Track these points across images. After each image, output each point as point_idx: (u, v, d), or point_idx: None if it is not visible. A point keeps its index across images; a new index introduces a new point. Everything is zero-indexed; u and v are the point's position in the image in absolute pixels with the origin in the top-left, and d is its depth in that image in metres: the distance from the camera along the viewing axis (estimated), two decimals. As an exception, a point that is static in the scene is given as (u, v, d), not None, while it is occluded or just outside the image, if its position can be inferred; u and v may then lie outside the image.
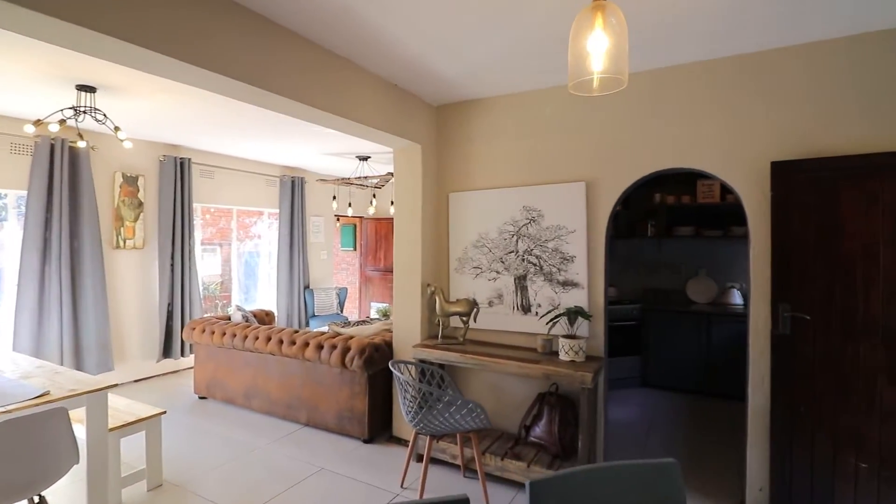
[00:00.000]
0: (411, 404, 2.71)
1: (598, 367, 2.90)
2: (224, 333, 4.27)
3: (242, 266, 6.75)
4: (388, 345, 3.72)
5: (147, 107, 3.90)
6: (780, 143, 2.62)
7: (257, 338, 4.07)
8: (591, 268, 3.14)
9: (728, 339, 4.72)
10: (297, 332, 4.00)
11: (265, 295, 6.91)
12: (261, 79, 2.29)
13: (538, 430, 3.11)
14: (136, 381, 5.13)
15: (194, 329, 4.52)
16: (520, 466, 2.93)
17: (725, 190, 4.91)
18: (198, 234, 5.80)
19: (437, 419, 2.68)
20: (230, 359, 4.33)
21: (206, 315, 5.64)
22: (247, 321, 4.66)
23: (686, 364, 4.89)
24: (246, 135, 4.91)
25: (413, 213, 3.56)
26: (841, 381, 2.44)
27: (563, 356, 2.99)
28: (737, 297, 5.03)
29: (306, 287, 7.03)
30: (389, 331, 4.04)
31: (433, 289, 3.42)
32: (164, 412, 3.01)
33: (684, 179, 4.97)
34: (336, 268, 8.34)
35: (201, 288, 5.72)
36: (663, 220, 5.23)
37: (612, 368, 4.94)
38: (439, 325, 3.48)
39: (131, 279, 5.11)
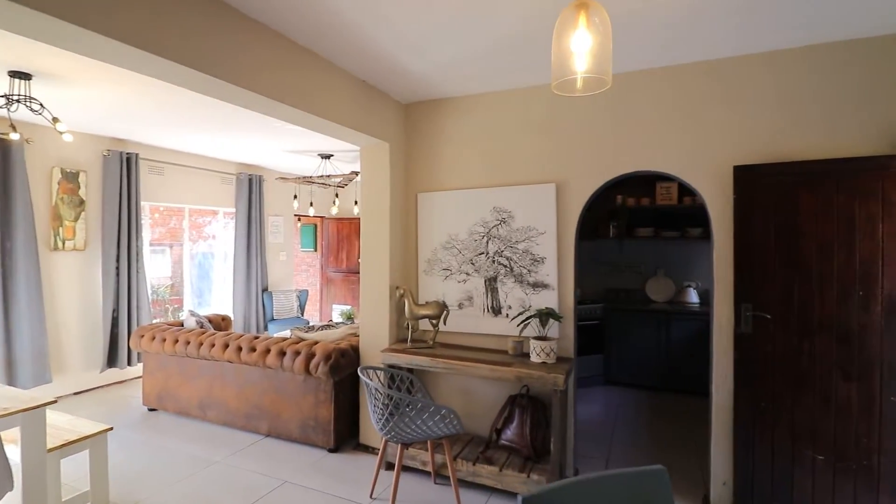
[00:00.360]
0: (382, 412, 2.61)
1: (568, 368, 2.91)
2: (177, 341, 4.01)
3: (195, 268, 6.40)
4: (355, 350, 3.60)
5: (90, 97, 3.61)
6: (742, 148, 2.71)
7: (213, 345, 3.85)
8: (561, 269, 3.15)
9: (686, 337, 4.88)
10: (257, 338, 3.81)
11: (220, 298, 6.60)
12: (225, 71, 2.13)
13: (509, 433, 3.08)
14: (77, 393, 4.76)
15: (143, 336, 4.23)
16: (492, 471, 2.90)
17: (682, 192, 5.08)
18: (146, 235, 5.45)
19: (409, 427, 2.60)
20: (183, 367, 4.08)
21: (155, 321, 5.31)
22: (202, 327, 4.41)
23: (647, 361, 5.02)
24: (200, 129, 4.65)
25: (381, 213, 3.46)
26: (799, 378, 2.54)
27: (534, 358, 2.97)
28: (693, 296, 5.21)
29: (265, 290, 6.76)
30: (356, 335, 3.91)
31: (402, 291, 3.34)
32: (111, 428, 2.78)
33: (644, 182, 5.10)
34: (296, 269, 8.07)
35: (150, 292, 5.37)
36: (624, 221, 5.35)
37: (577, 367, 5.01)
38: (408, 328, 3.39)
39: (71, 283, 4.73)
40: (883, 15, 2.25)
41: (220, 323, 5.00)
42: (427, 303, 3.35)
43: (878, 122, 2.46)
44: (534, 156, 3.22)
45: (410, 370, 3.28)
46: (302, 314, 7.08)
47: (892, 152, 2.42)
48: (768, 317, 2.60)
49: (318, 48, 2.68)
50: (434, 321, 3.31)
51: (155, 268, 6.03)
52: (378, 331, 3.47)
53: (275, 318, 6.70)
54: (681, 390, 4.86)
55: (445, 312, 3.30)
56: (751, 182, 2.63)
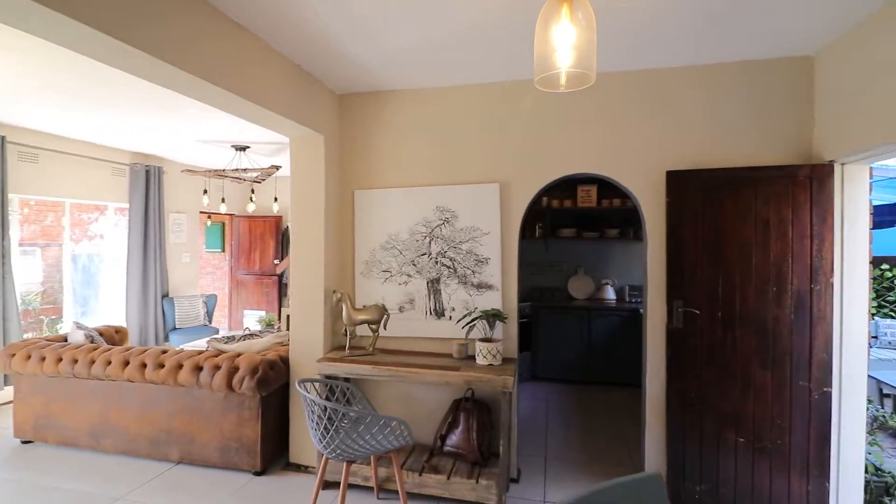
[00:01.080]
0: (326, 429, 2.39)
1: (513, 368, 2.89)
2: (61, 359, 3.39)
3: (79, 272, 5.53)
4: (285, 361, 3.29)
5: (-61, 63, 2.92)
6: (675, 154, 2.87)
7: (110, 362, 3.30)
8: (505, 269, 3.13)
9: (606, 332, 5.16)
10: (165, 352, 3.34)
11: (110, 307, 5.76)
12: (130, 33, 1.75)
13: (455, 439, 2.99)
14: (-83, 428, 3.86)
15: (14, 355, 3.52)
16: (439, 480, 2.79)
17: (601, 195, 5.37)
18: (14, 234, 4.58)
19: (356, 442, 2.40)
20: (69, 390, 3.46)
21: (27, 335, 4.49)
22: (92, 341, 3.78)
23: (571, 356, 5.23)
24: (86, 109, 3.97)
25: (314, 211, 3.19)
26: (723, 367, 2.75)
27: (480, 360, 2.92)
28: (610, 293, 5.53)
29: (165, 296, 6.03)
30: (283, 344, 3.59)
31: (339, 295, 3.11)
32: (-23, 473, 2.25)
33: (567, 184, 5.30)
34: (200, 272, 7.32)
35: (19, 301, 4.52)
36: (549, 222, 5.54)
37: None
38: (346, 334, 3.17)
39: None
40: (781, 40, 2.51)
41: (114, 336, 4.34)
42: (366, 307, 3.16)
43: (785, 134, 2.74)
44: (478, 155, 3.16)
45: (347, 379, 3.07)
46: (210, 322, 6.43)
47: (799, 162, 2.71)
48: (697, 312, 2.78)
49: (253, 27, 2.39)
50: (374, 326, 3.13)
51: (26, 272, 5.10)
52: (312, 339, 3.20)
53: (177, 326, 6.01)
54: (603, 382, 5.11)
55: (386, 317, 3.14)
56: (681, 186, 2.80)
